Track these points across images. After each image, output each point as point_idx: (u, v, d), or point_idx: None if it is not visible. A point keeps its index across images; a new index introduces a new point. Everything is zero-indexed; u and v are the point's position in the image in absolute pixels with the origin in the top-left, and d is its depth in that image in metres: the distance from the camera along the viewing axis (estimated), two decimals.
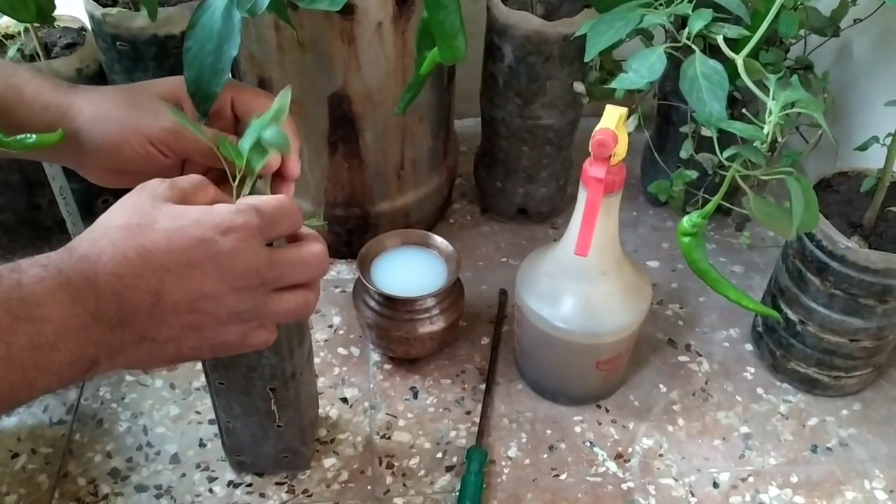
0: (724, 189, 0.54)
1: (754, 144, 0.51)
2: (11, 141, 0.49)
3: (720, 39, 0.53)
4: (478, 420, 0.76)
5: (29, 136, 0.49)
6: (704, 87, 0.50)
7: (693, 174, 0.81)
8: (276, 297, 0.46)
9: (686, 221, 0.57)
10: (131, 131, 0.53)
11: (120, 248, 0.41)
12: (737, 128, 0.50)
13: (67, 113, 0.53)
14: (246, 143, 0.49)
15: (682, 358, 0.83)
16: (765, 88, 0.52)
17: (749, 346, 0.84)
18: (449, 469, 0.73)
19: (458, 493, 0.70)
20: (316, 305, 0.48)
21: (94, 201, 0.85)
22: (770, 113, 0.49)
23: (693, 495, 0.72)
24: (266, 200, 0.46)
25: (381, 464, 0.73)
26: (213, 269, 0.43)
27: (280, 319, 0.47)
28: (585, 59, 0.59)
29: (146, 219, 0.42)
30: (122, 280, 0.41)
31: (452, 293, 0.78)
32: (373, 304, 0.77)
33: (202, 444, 0.74)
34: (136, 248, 0.41)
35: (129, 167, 0.53)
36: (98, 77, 0.79)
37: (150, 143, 0.53)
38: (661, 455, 0.75)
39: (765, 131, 0.49)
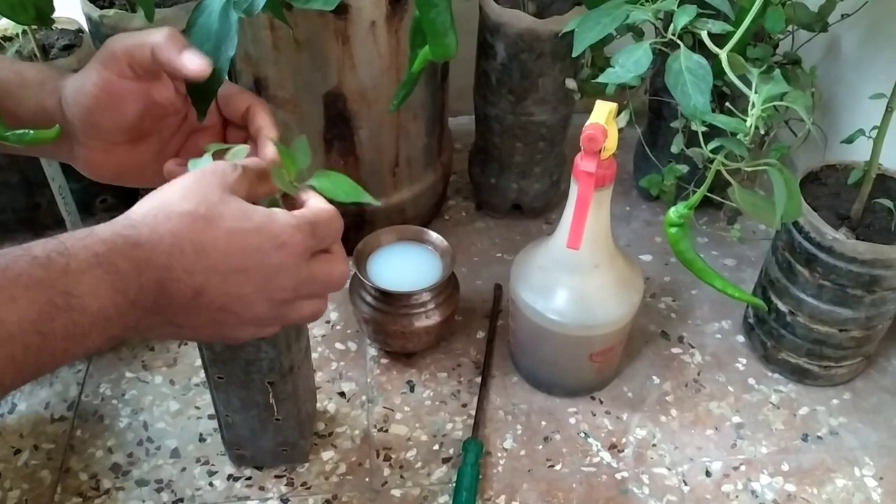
0: (709, 180, 0.55)
1: (738, 137, 0.52)
2: (11, 135, 0.50)
3: (704, 35, 0.55)
4: (474, 412, 0.77)
5: (27, 131, 0.50)
6: (689, 80, 0.52)
7: (684, 168, 0.82)
8: (296, 305, 0.48)
9: (673, 212, 0.58)
10: (115, 47, 0.50)
11: (179, 238, 0.42)
12: (720, 120, 0.52)
13: (61, 77, 0.53)
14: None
15: (675, 350, 0.84)
16: (749, 83, 0.53)
17: (740, 338, 0.85)
18: (446, 461, 0.74)
19: (454, 485, 0.71)
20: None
21: (93, 201, 0.86)
22: (753, 106, 0.50)
23: (686, 484, 0.73)
24: (319, 214, 0.47)
25: (378, 456, 0.74)
26: (257, 277, 0.44)
27: (291, 324, 0.49)
28: (573, 55, 0.60)
29: (213, 211, 0.43)
30: (170, 272, 0.42)
31: (448, 288, 0.79)
32: (369, 299, 0.78)
33: (202, 439, 0.75)
34: (194, 243, 0.42)
35: (115, 102, 0.51)
36: None
37: (129, 54, 0.50)
38: (654, 445, 0.76)
39: (748, 124, 0.50)
